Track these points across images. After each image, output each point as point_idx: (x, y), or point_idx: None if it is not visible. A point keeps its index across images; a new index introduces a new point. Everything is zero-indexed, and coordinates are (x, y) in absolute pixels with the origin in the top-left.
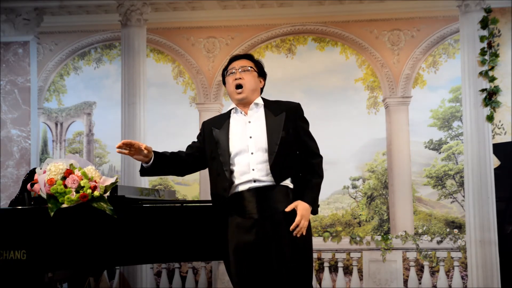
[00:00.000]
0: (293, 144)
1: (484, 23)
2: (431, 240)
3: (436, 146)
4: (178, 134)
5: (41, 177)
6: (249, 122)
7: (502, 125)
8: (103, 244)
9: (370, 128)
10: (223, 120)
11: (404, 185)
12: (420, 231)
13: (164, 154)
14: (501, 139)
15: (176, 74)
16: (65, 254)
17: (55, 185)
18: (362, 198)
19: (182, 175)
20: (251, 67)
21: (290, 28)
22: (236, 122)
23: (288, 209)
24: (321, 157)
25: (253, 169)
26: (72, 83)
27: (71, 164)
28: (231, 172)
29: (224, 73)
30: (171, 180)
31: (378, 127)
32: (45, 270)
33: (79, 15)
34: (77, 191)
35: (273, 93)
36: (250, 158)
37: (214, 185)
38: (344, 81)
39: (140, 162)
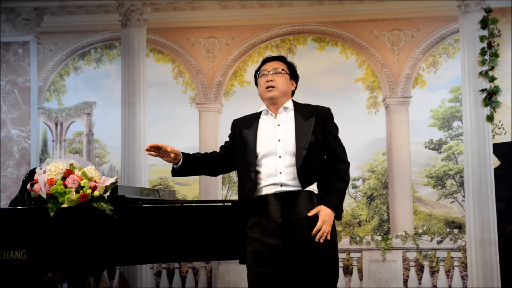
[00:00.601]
0: (321, 149)
1: (484, 23)
2: (431, 240)
3: (436, 146)
4: (178, 134)
5: (41, 177)
6: (279, 125)
7: (502, 125)
8: (103, 244)
9: (370, 128)
10: (252, 121)
11: (404, 185)
12: (420, 231)
13: (194, 156)
14: (501, 139)
15: (176, 74)
16: (65, 254)
17: (55, 185)
18: (362, 198)
19: (215, 175)
20: (283, 69)
21: (290, 28)
22: (265, 124)
23: (310, 213)
24: (348, 163)
25: (280, 172)
26: (72, 83)
27: (71, 164)
28: (257, 173)
29: (256, 74)
30: (171, 180)
31: (378, 127)
32: (45, 270)
33: (79, 15)
34: (77, 191)
35: None
36: (278, 161)
37: (242, 186)
38: (344, 81)
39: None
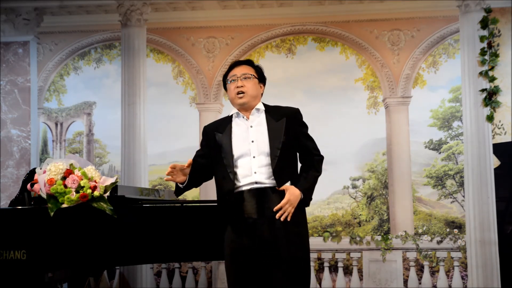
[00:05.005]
0: (293, 148)
1: (484, 23)
2: (431, 240)
3: (436, 146)
4: (178, 134)
5: (41, 177)
6: (251, 126)
7: (502, 125)
8: (103, 244)
9: (370, 128)
10: (225, 124)
11: (404, 185)
12: (420, 231)
13: (192, 169)
14: (501, 139)
15: (176, 74)
16: (65, 254)
17: (55, 185)
18: (362, 198)
19: (201, 184)
20: (252, 74)
21: (290, 28)
22: (238, 127)
23: (281, 188)
24: (321, 156)
25: (255, 172)
26: (72, 83)
27: (71, 164)
28: (235, 174)
29: (225, 79)
30: None
31: (378, 127)
32: (45, 270)
33: (79, 15)
34: (77, 191)
35: (274, 93)
36: (252, 162)
37: (220, 188)
38: (344, 81)
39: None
